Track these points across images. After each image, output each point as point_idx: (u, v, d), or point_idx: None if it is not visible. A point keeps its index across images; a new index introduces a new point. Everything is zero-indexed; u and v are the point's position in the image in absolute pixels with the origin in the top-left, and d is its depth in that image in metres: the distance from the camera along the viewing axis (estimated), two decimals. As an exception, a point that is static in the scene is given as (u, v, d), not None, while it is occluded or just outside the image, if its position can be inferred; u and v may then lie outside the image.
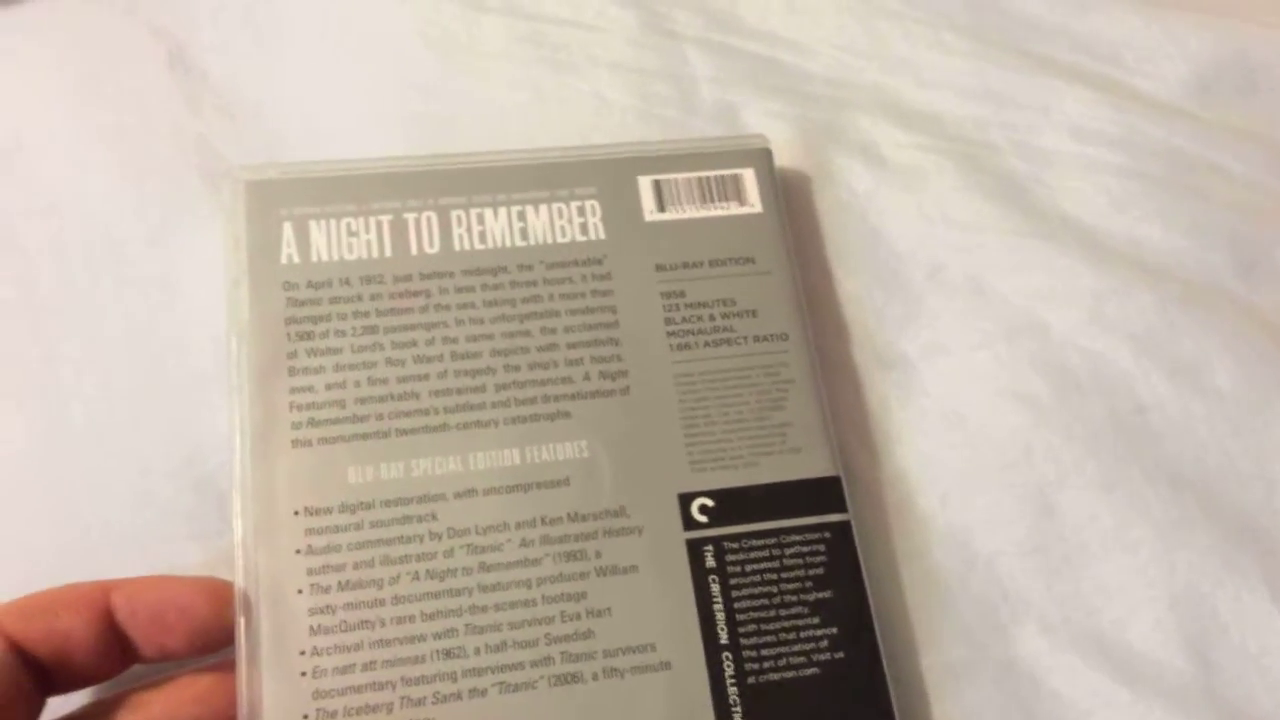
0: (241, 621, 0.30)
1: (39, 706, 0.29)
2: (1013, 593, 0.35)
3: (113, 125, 0.40)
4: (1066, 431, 0.37)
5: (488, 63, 0.43)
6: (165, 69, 0.41)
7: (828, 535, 0.34)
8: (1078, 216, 0.41)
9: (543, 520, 0.33)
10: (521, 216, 0.37)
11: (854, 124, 0.42)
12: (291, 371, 0.34)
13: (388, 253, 0.35)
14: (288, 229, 0.35)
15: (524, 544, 0.32)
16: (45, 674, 0.29)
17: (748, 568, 0.33)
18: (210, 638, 0.30)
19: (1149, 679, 0.34)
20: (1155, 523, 0.36)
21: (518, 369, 0.35)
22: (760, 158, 0.39)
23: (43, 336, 0.37)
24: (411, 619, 0.31)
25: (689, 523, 0.33)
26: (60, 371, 0.36)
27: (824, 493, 0.34)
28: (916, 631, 0.35)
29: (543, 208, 0.37)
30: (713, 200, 0.38)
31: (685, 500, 0.34)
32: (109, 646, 0.29)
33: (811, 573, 0.33)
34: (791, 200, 0.41)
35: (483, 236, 0.36)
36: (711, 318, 0.36)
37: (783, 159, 0.40)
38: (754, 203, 0.38)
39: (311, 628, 0.31)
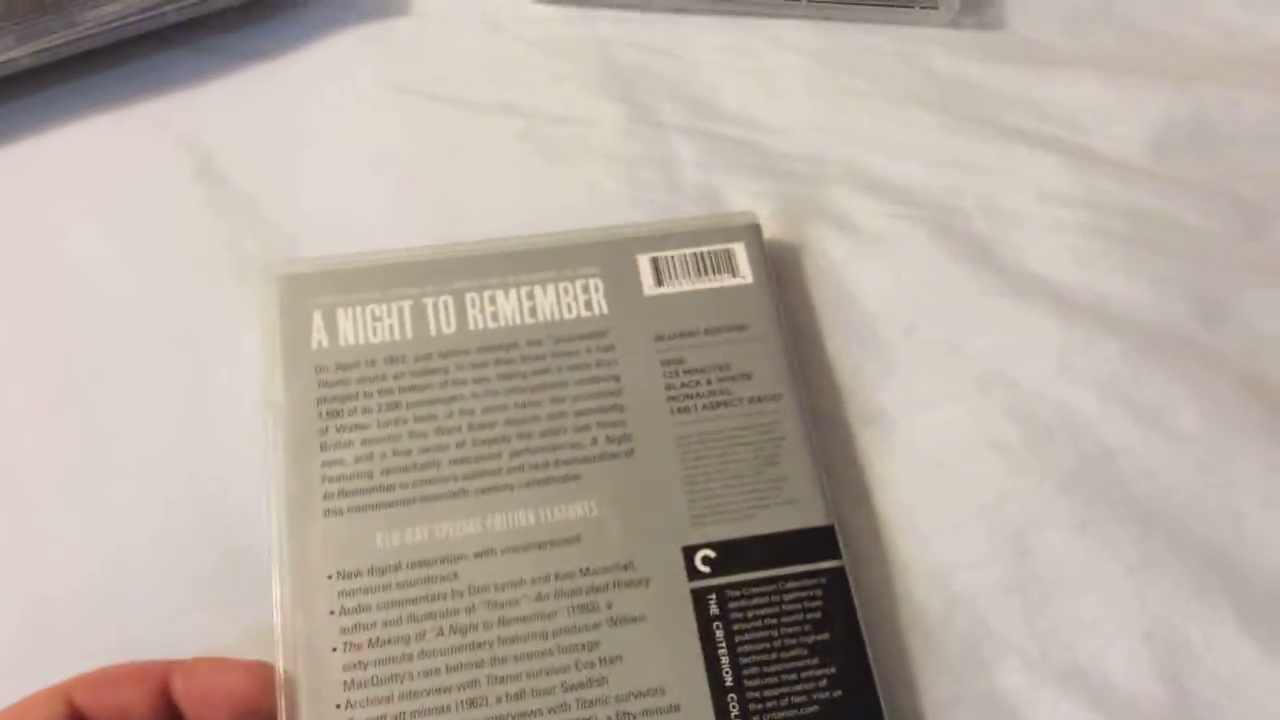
0: (283, 702, 0.32)
1: None
2: (994, 630, 0.37)
3: (148, 229, 0.43)
4: (1039, 476, 0.39)
5: (488, 158, 0.45)
6: (193, 176, 0.44)
7: (824, 581, 0.35)
8: (1043, 274, 0.43)
9: (556, 576, 0.35)
10: (530, 296, 0.39)
11: (829, 197, 0.45)
12: (323, 447, 0.36)
13: (409, 335, 0.38)
14: (317, 317, 0.38)
15: (539, 598, 0.35)
16: None
17: (749, 614, 0.35)
18: (252, 718, 0.32)
19: (1126, 708, 0.35)
20: (1126, 559, 0.38)
21: (530, 436, 0.37)
22: (750, 233, 0.41)
23: (85, 423, 0.39)
24: (437, 671, 0.33)
25: (693, 573, 0.35)
26: (102, 455, 0.39)
27: (819, 541, 0.36)
28: (906, 671, 0.36)
29: (550, 287, 0.39)
30: (707, 274, 0.40)
31: (689, 552, 0.36)
32: None
33: (810, 616, 0.35)
34: (775, 269, 0.42)
35: (495, 316, 0.39)
36: (709, 382, 0.38)
37: (764, 232, 0.42)
38: (745, 274, 0.40)
39: (345, 683, 0.33)
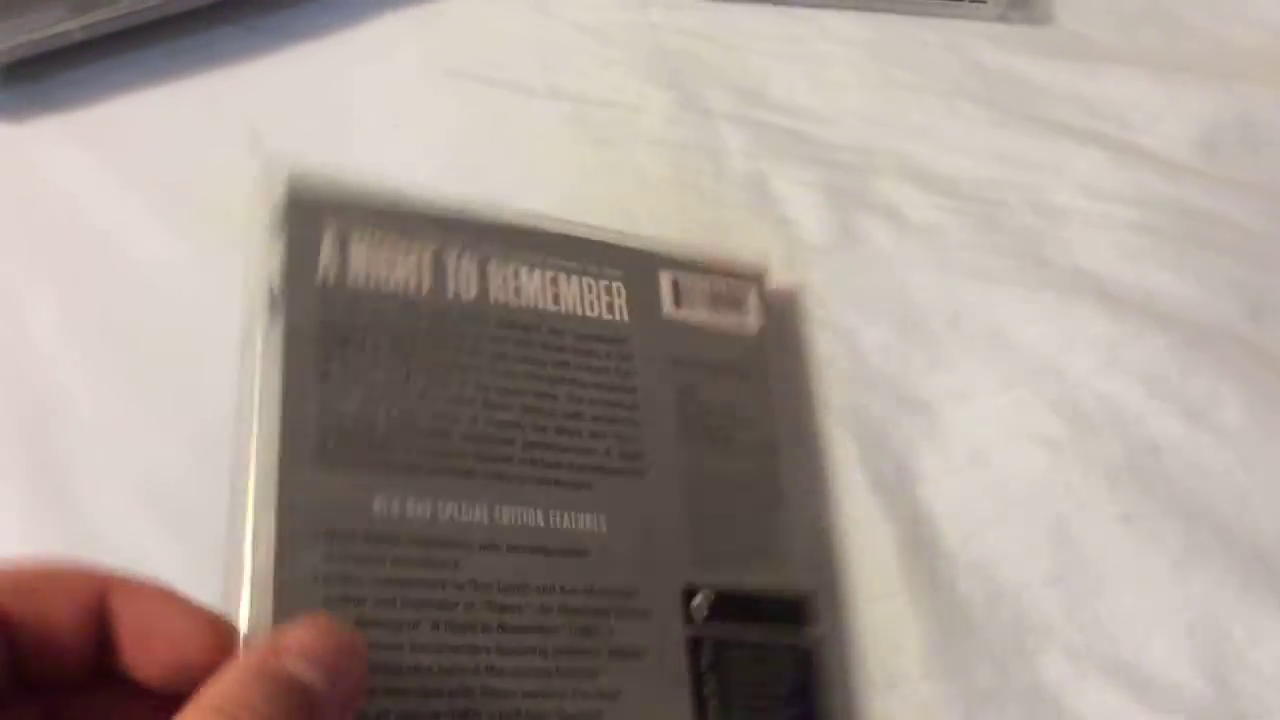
0: None
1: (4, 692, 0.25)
2: (1038, 622, 0.36)
3: (200, 205, 0.43)
4: (1084, 469, 0.38)
5: (536, 142, 0.45)
6: (246, 154, 0.45)
7: (804, 653, 0.34)
8: (1090, 268, 0.42)
9: (561, 589, 0.32)
10: (554, 282, 0.36)
11: (876, 187, 0.44)
12: (324, 378, 0.31)
13: (426, 287, 0.34)
14: (329, 238, 0.33)
15: (543, 610, 0.31)
16: (16, 656, 0.25)
17: (738, 671, 0.33)
18: (190, 679, 0.24)
19: (1169, 701, 0.35)
20: (1171, 553, 0.37)
21: (545, 430, 0.34)
22: (759, 280, 0.40)
23: (134, 402, 0.39)
24: (429, 670, 0.29)
25: (690, 617, 0.33)
26: (149, 427, 0.39)
27: (802, 608, 0.35)
28: (950, 661, 0.36)
29: (574, 278, 0.37)
30: (721, 309, 0.39)
31: (688, 594, 0.34)
32: (89, 648, 0.26)
33: (792, 687, 0.34)
34: (820, 259, 0.42)
35: (518, 292, 0.36)
36: (718, 419, 0.37)
37: (810, 221, 0.42)
38: (752, 322, 0.39)
39: None
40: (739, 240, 0.43)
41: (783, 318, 0.42)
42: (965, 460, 0.39)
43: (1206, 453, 0.39)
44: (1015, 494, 0.39)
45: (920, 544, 0.38)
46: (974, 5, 0.48)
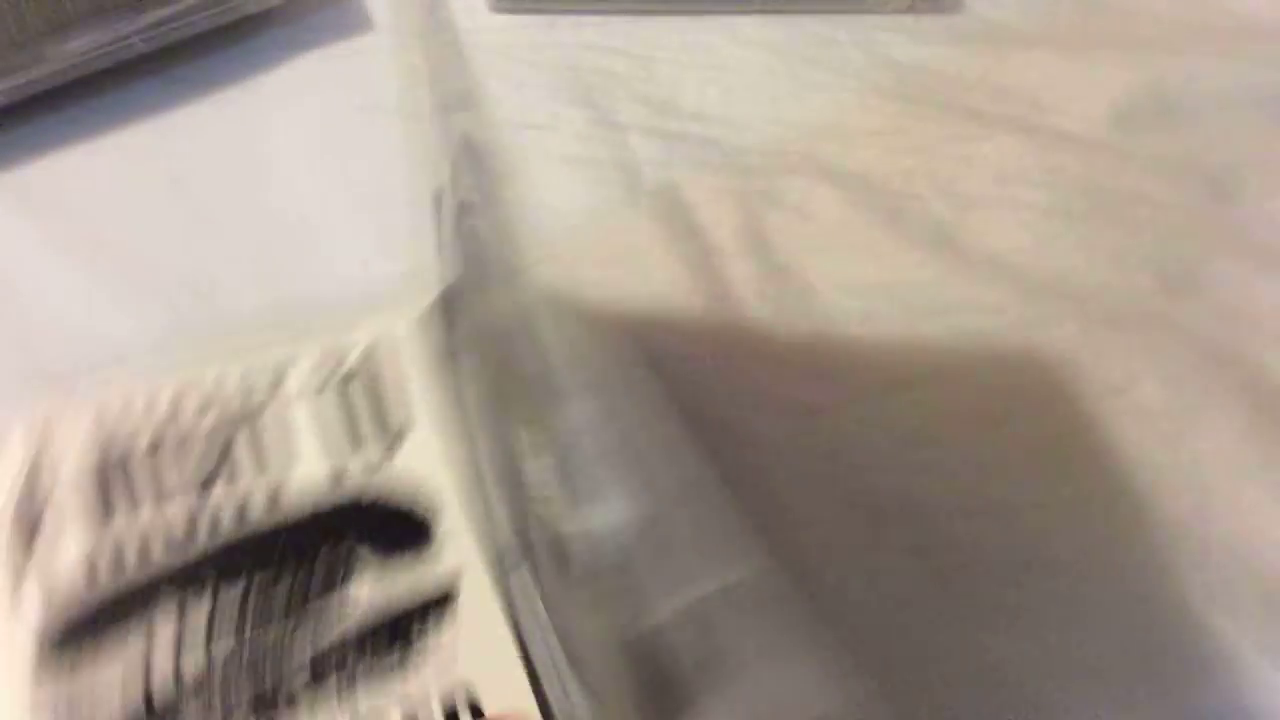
0: None
1: None
2: None
3: (120, 254, 0.44)
4: None
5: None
6: (168, 202, 0.47)
7: None
8: (1003, 255, 0.41)
9: None
10: None
11: (787, 187, 0.43)
12: None
13: None
14: None
15: None
16: None
17: None
18: None
19: None
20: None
21: None
22: None
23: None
24: None
25: None
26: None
27: None
28: None
29: None
30: None
31: None
32: None
33: None
34: (730, 263, 0.43)
35: None
36: None
37: (721, 224, 0.43)
38: None
39: None
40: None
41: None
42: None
43: (1126, 436, 0.39)
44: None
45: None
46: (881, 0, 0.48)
